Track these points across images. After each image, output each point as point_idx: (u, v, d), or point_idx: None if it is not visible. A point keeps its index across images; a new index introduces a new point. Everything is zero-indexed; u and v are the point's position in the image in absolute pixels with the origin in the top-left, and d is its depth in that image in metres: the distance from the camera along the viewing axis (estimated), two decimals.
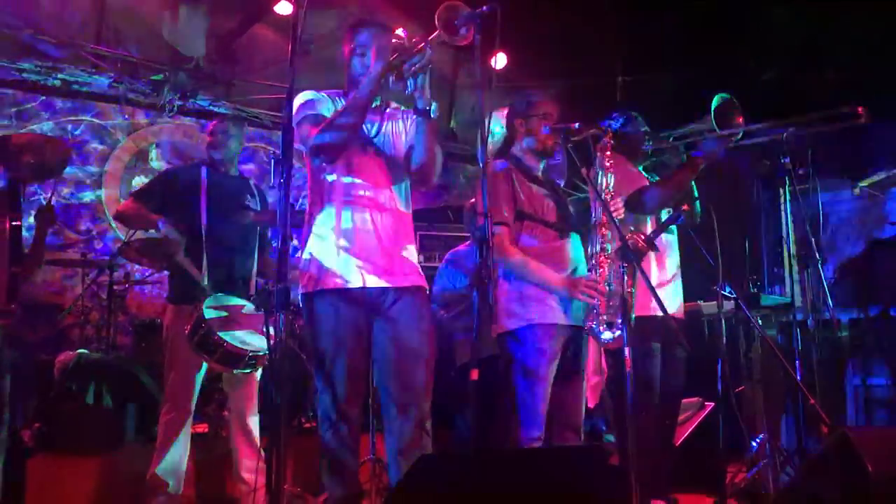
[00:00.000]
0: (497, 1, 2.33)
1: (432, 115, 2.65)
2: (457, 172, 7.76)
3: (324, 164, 2.72)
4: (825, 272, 3.46)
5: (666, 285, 3.51)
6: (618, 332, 2.85)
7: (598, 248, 2.96)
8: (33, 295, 5.47)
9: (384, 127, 2.80)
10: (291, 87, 2.30)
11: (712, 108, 3.32)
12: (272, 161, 6.79)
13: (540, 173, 3.17)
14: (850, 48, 5.56)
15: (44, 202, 3.63)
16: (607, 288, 2.88)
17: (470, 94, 6.58)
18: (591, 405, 3.73)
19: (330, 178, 2.74)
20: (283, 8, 5.56)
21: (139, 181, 6.23)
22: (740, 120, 3.38)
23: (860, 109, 3.21)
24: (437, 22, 2.41)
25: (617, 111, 3.74)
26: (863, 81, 5.66)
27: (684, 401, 3.99)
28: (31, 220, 3.44)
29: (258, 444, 3.60)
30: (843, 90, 5.67)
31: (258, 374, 3.61)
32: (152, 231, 3.68)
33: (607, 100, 6.37)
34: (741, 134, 3.39)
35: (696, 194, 3.61)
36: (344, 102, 2.73)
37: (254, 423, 3.63)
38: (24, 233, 3.38)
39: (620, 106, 6.05)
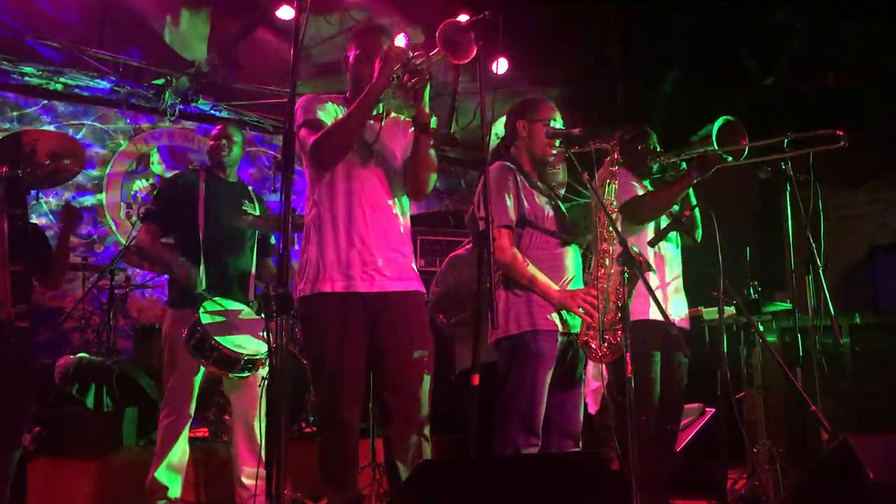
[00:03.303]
0: (498, 7, 2.33)
1: (430, 128, 2.65)
2: (457, 177, 7.77)
3: (322, 170, 2.72)
4: (826, 278, 3.45)
5: (667, 293, 3.50)
6: (608, 349, 2.86)
7: (598, 261, 2.95)
8: (34, 298, 5.47)
9: (383, 136, 2.79)
10: (293, 92, 2.30)
11: (714, 131, 3.30)
12: (272, 166, 6.84)
13: (538, 178, 3.15)
14: (851, 53, 5.57)
15: (44, 205, 3.67)
16: (603, 304, 2.87)
17: (471, 99, 6.60)
18: (592, 411, 3.73)
19: (328, 184, 2.74)
20: (285, 13, 5.58)
21: (140, 185, 6.25)
22: (744, 142, 3.35)
23: (839, 132, 3.20)
24: (438, 41, 2.41)
25: (630, 123, 3.72)
26: (864, 86, 5.67)
27: (685, 406, 3.98)
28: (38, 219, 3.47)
29: (260, 450, 3.60)
30: (844, 95, 5.69)
31: (260, 378, 3.60)
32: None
33: (607, 105, 6.38)
34: (745, 152, 3.37)
35: (693, 202, 3.60)
36: (346, 108, 2.74)
37: (258, 427, 3.62)
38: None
39: (624, 113, 6.06)
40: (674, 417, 3.57)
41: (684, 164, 3.51)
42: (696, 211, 3.61)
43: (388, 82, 2.56)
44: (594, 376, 3.54)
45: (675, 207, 3.51)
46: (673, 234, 3.57)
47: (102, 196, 6.15)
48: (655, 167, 3.62)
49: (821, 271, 3.46)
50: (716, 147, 3.27)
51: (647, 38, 5.97)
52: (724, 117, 3.33)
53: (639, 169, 3.61)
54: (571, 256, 3.07)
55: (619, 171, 3.12)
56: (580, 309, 2.87)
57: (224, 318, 3.42)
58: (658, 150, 3.64)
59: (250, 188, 3.95)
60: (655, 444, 3.34)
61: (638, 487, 2.55)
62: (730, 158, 3.35)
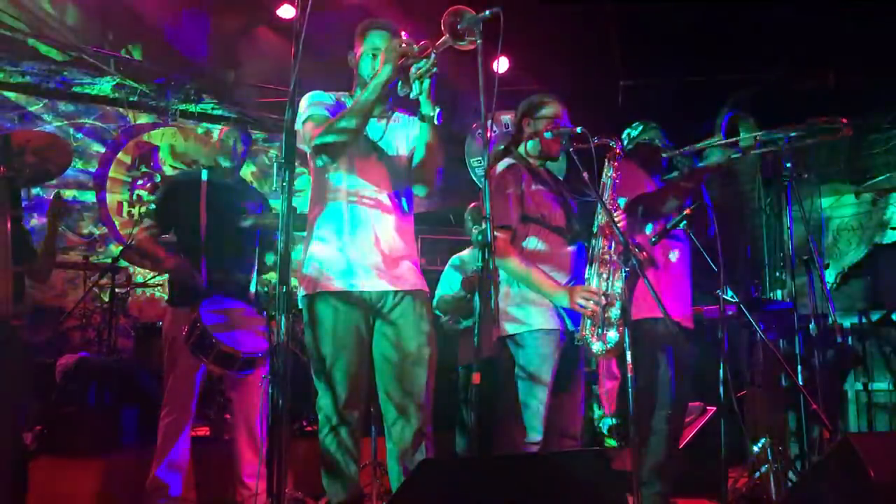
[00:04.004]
0: (500, 5, 2.33)
1: (436, 121, 2.65)
2: (458, 176, 7.77)
3: (327, 165, 2.72)
4: (827, 277, 3.45)
5: (672, 290, 3.49)
6: (610, 345, 2.86)
7: (598, 258, 2.95)
8: (35, 297, 5.48)
9: (389, 130, 2.80)
10: (293, 91, 2.31)
11: (723, 125, 3.28)
12: (274, 165, 6.84)
13: (546, 175, 3.15)
14: (852, 51, 5.56)
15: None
16: (604, 299, 2.87)
17: (472, 97, 6.58)
18: (607, 412, 3.73)
19: (332, 179, 2.73)
20: (286, 11, 5.58)
21: (141, 184, 6.25)
22: (755, 135, 3.32)
23: (843, 119, 3.18)
24: (443, 27, 2.41)
25: (638, 120, 3.72)
26: (863, 85, 5.67)
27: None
28: (34, 221, 3.46)
29: (262, 448, 3.60)
30: (844, 94, 5.68)
31: (261, 376, 3.61)
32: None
33: (609, 104, 6.37)
34: (758, 146, 3.34)
35: (707, 201, 3.57)
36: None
37: (260, 426, 3.62)
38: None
39: (625, 113, 6.05)
40: (678, 415, 3.57)
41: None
42: (708, 209, 3.58)
43: (393, 73, 2.56)
44: (607, 375, 3.53)
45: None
46: (680, 233, 3.56)
47: (104, 194, 6.16)
48: (666, 164, 3.61)
49: (821, 269, 3.46)
50: (723, 139, 3.26)
51: (647, 38, 5.97)
52: (731, 112, 3.31)
53: (648, 163, 3.60)
54: (576, 255, 3.07)
55: (628, 168, 3.11)
56: (580, 304, 2.87)
57: (224, 316, 3.42)
58: (669, 145, 3.62)
59: (254, 185, 3.95)
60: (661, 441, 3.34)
61: (639, 486, 2.56)
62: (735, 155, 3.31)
